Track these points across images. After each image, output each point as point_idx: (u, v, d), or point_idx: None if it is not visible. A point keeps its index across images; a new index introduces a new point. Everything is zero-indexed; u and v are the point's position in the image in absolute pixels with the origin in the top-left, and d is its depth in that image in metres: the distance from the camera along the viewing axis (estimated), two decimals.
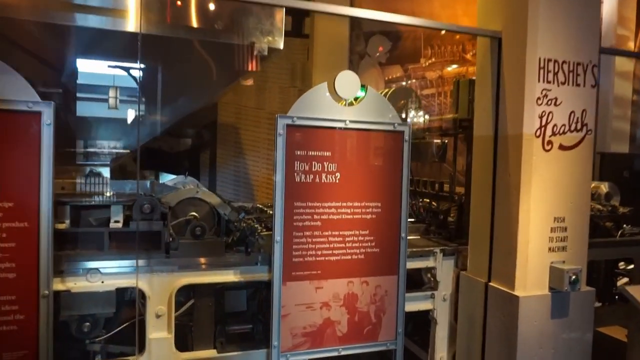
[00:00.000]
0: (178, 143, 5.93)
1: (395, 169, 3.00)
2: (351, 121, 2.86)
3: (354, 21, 5.94)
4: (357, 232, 2.93)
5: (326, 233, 2.86)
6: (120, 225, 2.84)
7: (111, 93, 5.02)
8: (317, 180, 2.81)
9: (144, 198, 2.85)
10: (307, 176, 2.79)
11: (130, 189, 3.13)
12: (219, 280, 2.91)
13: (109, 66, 4.81)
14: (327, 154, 2.83)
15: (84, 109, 5.10)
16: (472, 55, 5.84)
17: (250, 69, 4.41)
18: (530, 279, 2.98)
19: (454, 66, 6.43)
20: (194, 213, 3.26)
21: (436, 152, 3.54)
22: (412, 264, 3.32)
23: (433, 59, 6.68)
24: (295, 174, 2.76)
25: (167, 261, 2.82)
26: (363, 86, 3.00)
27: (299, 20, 6.03)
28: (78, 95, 4.77)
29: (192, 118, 5.86)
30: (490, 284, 3.17)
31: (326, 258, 2.86)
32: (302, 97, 2.78)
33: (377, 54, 6.84)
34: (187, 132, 5.94)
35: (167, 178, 4.98)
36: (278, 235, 2.75)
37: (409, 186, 3.04)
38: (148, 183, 3.16)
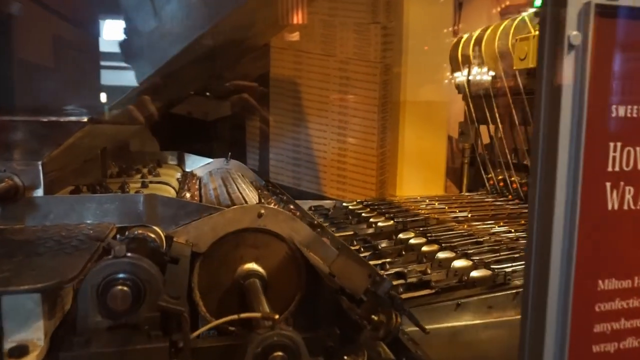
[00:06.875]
0: (212, 108, 4.06)
1: None
2: None
3: None
4: None
5: None
6: None
7: None
8: None
9: None
10: None
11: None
12: None
13: None
14: None
15: None
16: None
17: None
18: None
19: None
20: (252, 265, 1.37)
21: None
22: None
23: None
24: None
25: None
26: None
27: None
28: None
29: (232, 70, 3.97)
30: None
31: None
32: None
33: None
34: (224, 90, 4.00)
35: (198, 163, 3.09)
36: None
37: None
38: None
